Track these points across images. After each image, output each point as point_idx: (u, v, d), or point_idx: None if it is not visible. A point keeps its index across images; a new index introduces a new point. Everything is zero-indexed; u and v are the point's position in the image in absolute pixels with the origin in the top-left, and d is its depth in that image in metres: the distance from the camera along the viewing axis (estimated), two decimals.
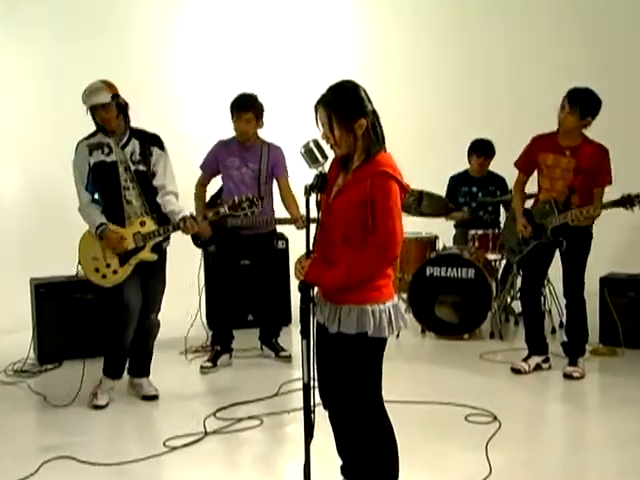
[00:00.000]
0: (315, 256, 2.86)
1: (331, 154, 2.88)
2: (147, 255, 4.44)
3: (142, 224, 4.43)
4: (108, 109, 4.33)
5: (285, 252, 6.33)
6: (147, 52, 7.28)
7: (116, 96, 4.36)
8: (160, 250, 4.52)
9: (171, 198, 4.50)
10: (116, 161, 4.40)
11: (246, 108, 5.12)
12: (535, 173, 4.99)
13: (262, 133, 5.32)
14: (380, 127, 2.85)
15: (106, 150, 4.41)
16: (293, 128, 5.76)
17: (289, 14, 8.00)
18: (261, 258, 5.38)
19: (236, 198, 4.48)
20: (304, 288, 2.84)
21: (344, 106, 2.78)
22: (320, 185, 2.81)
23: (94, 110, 4.35)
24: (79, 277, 4.58)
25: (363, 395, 2.89)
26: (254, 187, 5.18)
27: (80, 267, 4.46)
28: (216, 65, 7.59)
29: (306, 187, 2.80)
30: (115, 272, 4.42)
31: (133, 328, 4.51)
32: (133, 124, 4.49)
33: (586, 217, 4.64)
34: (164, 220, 4.48)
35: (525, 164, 5.02)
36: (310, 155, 2.80)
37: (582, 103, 4.64)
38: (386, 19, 8.11)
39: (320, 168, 2.83)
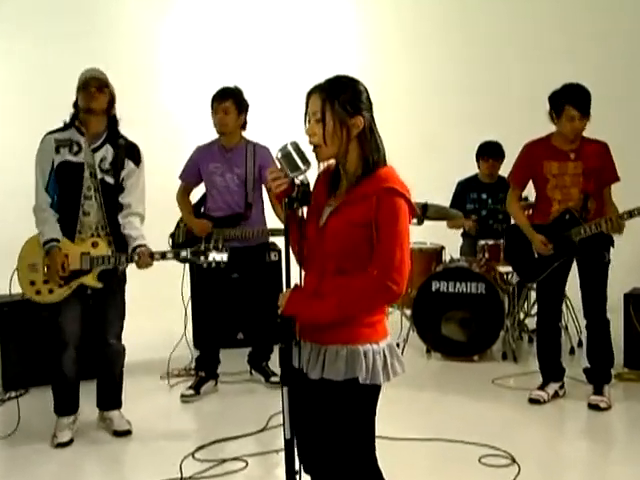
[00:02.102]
0: (296, 284, 2.36)
1: (315, 163, 2.35)
2: (91, 281, 3.92)
3: (94, 245, 3.91)
4: (101, 87, 3.89)
5: (278, 264, 5.80)
6: (136, 52, 7.04)
7: (112, 95, 3.96)
8: (116, 273, 4.01)
9: (134, 220, 3.99)
10: (83, 163, 3.91)
11: (224, 97, 4.72)
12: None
13: (266, 136, 4.85)
14: (380, 137, 2.36)
15: (75, 149, 3.92)
16: (294, 131, 5.30)
17: (288, 14, 7.83)
18: (250, 273, 4.89)
19: (202, 245, 3.94)
20: (284, 323, 2.32)
21: (344, 94, 2.30)
22: (301, 197, 2.29)
23: (85, 87, 3.87)
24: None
25: (353, 455, 2.36)
26: (241, 194, 4.74)
27: (16, 274, 3.96)
28: (210, 65, 7.47)
29: (284, 201, 2.28)
30: (51, 291, 3.92)
31: (71, 356, 4.00)
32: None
33: (619, 220, 4.18)
34: (121, 243, 3.98)
35: (522, 177, 4.56)
36: (288, 160, 2.27)
37: (588, 106, 4.23)
38: (387, 18, 7.90)
39: (301, 177, 2.29)
